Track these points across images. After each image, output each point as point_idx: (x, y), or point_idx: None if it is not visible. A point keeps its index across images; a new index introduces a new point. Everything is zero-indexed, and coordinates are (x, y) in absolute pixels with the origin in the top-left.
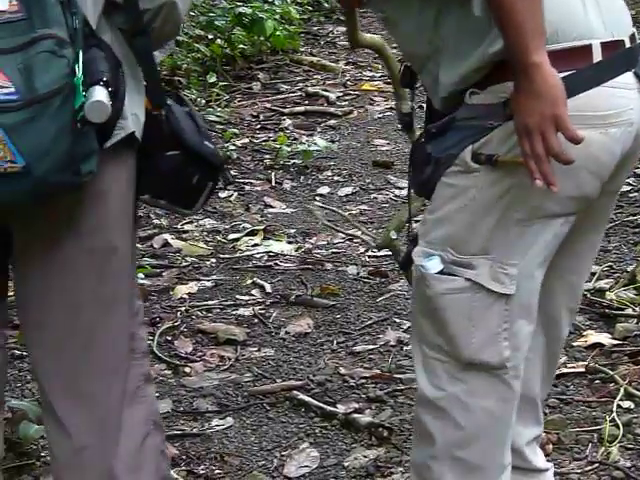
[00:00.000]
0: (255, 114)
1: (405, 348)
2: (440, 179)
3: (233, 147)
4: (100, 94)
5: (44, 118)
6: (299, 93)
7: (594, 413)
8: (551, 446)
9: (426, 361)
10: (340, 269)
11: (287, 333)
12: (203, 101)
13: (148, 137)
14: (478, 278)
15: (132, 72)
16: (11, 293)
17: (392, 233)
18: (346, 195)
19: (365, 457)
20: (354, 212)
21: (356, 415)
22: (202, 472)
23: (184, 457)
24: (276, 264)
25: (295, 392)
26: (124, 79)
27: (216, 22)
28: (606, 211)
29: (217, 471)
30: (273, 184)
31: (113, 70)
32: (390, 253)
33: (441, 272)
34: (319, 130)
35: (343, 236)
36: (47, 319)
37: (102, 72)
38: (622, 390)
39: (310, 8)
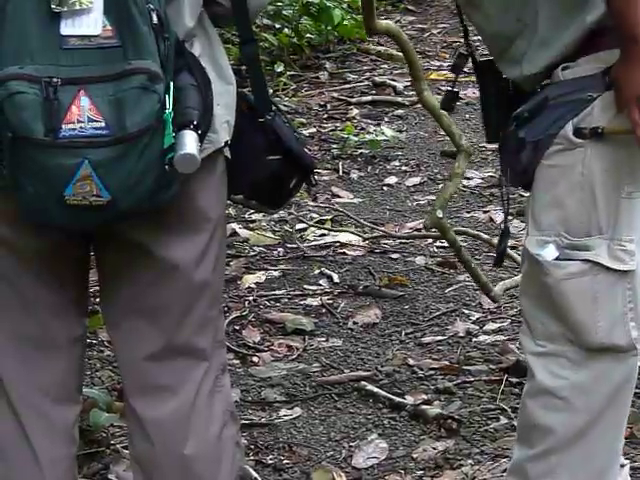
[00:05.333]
0: (322, 103)
1: (474, 340)
2: (540, 163)
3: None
4: (190, 145)
5: (132, 155)
6: (366, 82)
7: None
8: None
9: (545, 354)
10: (408, 259)
11: (355, 323)
12: (270, 90)
13: (251, 141)
14: (598, 258)
15: (222, 77)
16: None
17: (438, 212)
18: (414, 185)
19: (434, 449)
20: (422, 202)
21: (425, 406)
22: (270, 462)
23: (252, 447)
24: (344, 254)
25: (363, 383)
26: (212, 95)
27: (284, 11)
28: None
29: (285, 461)
30: (340, 174)
31: (202, 92)
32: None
33: (557, 258)
34: (386, 120)
35: (411, 226)
36: (130, 313)
37: (192, 111)
38: None
39: None
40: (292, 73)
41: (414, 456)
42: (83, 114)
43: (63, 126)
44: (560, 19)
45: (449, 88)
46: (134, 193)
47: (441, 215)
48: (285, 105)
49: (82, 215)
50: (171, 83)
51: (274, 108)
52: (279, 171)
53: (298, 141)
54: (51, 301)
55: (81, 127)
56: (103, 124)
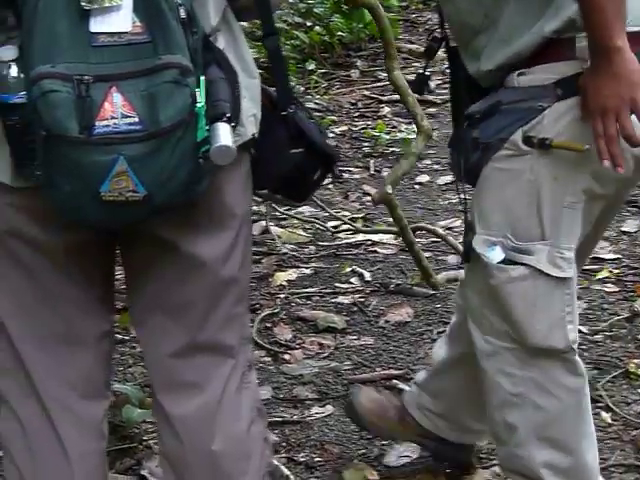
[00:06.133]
0: (353, 102)
1: None
2: (488, 164)
3: (332, 135)
4: (225, 137)
5: (166, 150)
6: None
7: None
8: None
9: (493, 352)
10: (440, 258)
11: (387, 322)
12: (302, 88)
13: (274, 135)
14: (538, 264)
15: (247, 70)
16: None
17: (388, 188)
18: (445, 184)
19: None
20: (454, 201)
21: None
22: (302, 459)
23: (284, 444)
24: (375, 252)
25: (395, 381)
26: (239, 89)
27: (315, 9)
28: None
29: (317, 459)
30: (372, 172)
31: (231, 85)
32: None
33: (503, 261)
34: None
35: (443, 225)
36: (156, 310)
37: (224, 104)
38: None
39: None
40: (323, 71)
41: None
42: (116, 110)
43: (97, 123)
44: (520, 23)
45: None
46: (169, 187)
47: (390, 191)
48: (316, 103)
49: (118, 211)
50: (201, 77)
51: (296, 101)
52: (303, 164)
53: (321, 133)
54: (78, 298)
55: (115, 123)
56: (136, 119)
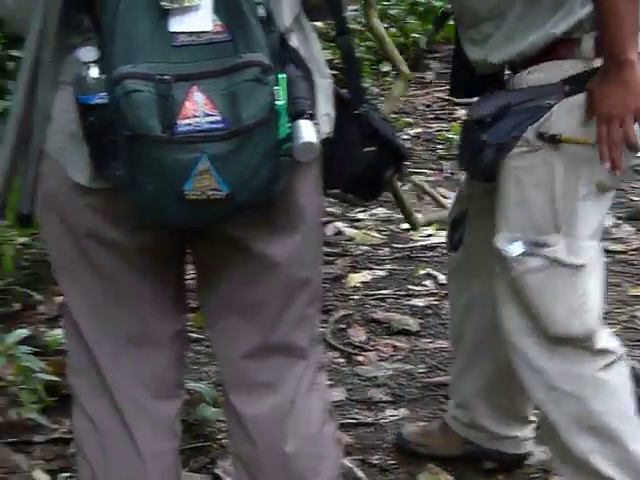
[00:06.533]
0: (428, 103)
1: None
2: (504, 163)
3: (406, 137)
4: (308, 133)
5: (248, 148)
6: None
7: None
8: None
9: (522, 349)
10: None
11: None
12: (376, 90)
13: (346, 134)
14: (555, 255)
15: (319, 70)
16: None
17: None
18: None
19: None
20: None
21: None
22: (376, 462)
23: (358, 446)
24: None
25: None
26: (315, 88)
27: (390, 11)
28: None
29: (391, 461)
30: (446, 175)
31: (308, 84)
32: None
33: (522, 254)
34: None
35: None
36: (227, 311)
37: (304, 101)
38: None
39: None
40: (398, 73)
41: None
42: (198, 109)
43: (179, 122)
44: (529, 20)
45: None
46: (251, 185)
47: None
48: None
49: (200, 211)
50: (281, 75)
51: (368, 100)
52: (375, 163)
53: (392, 130)
54: (152, 298)
55: (197, 122)
56: (218, 118)
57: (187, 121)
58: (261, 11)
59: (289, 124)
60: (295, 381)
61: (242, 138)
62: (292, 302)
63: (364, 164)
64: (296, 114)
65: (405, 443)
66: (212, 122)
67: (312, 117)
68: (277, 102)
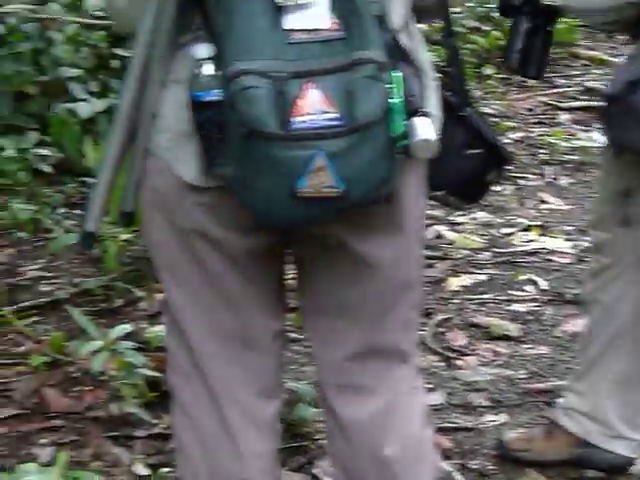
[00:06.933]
0: (530, 107)
1: None
2: None
3: (508, 141)
4: (427, 130)
5: (364, 145)
6: (576, 88)
7: None
8: None
9: None
10: None
11: (563, 332)
12: (478, 93)
13: (451, 137)
14: None
15: (424, 72)
16: None
17: None
18: None
19: None
20: None
21: None
22: (475, 467)
23: (457, 450)
24: (552, 261)
25: None
26: (424, 86)
27: (493, 14)
28: None
29: (490, 467)
30: (548, 179)
31: (420, 83)
32: None
33: None
34: (597, 127)
35: None
36: (329, 312)
37: (418, 99)
38: None
39: None
40: (500, 76)
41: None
42: (314, 106)
43: (295, 119)
44: None
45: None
46: (365, 183)
47: None
48: (492, 108)
49: (311, 209)
50: (395, 73)
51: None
52: (480, 165)
53: (494, 135)
54: (255, 298)
55: (312, 119)
56: (335, 115)
57: (303, 118)
58: (375, 9)
59: (404, 122)
60: (396, 384)
61: (359, 135)
62: (395, 305)
63: (468, 166)
64: (411, 112)
65: (506, 450)
66: (328, 119)
67: (427, 115)
68: (392, 100)
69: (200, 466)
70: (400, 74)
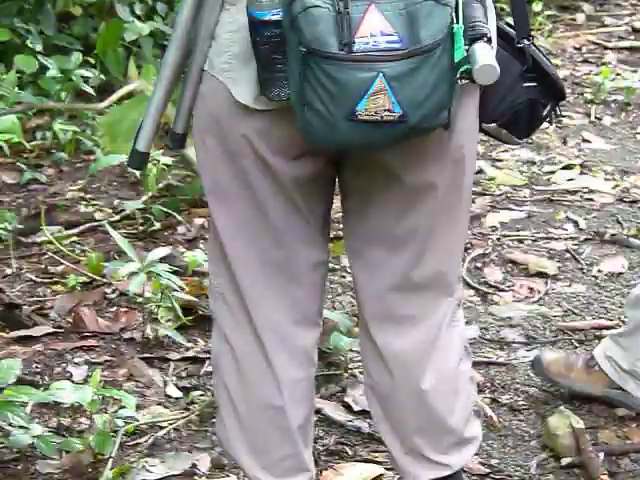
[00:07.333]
0: (577, 46)
1: None
2: None
3: None
4: (488, 56)
5: (425, 69)
6: (625, 27)
7: None
8: None
9: None
10: None
11: (599, 271)
12: None
13: (508, 68)
14: None
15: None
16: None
17: None
18: None
19: None
20: None
21: None
22: (506, 401)
23: (489, 385)
24: (591, 200)
25: (605, 331)
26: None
27: None
28: None
29: (521, 402)
30: (592, 119)
31: (483, 8)
32: None
33: None
34: None
35: None
36: (376, 242)
37: (482, 24)
38: None
39: None
40: (549, 13)
41: None
42: (375, 28)
43: (356, 40)
44: None
45: None
46: (424, 108)
47: None
48: (540, 45)
49: (370, 132)
50: None
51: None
52: (536, 97)
53: (553, 68)
54: (300, 227)
55: (374, 41)
56: (396, 38)
57: (364, 40)
58: None
59: (466, 47)
60: (439, 316)
61: (419, 59)
62: (441, 235)
63: (524, 99)
64: (474, 38)
65: (542, 370)
66: (390, 42)
67: (490, 41)
68: (455, 26)
69: (236, 391)
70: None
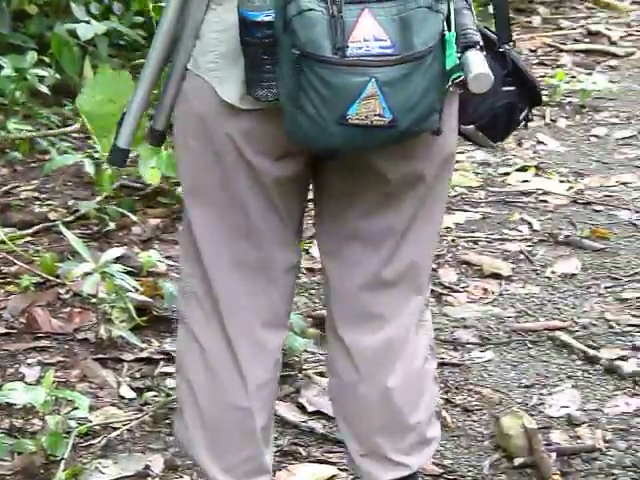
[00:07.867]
0: (533, 48)
1: None
2: None
3: None
4: (482, 65)
5: (416, 75)
6: (580, 30)
7: None
8: None
9: None
10: (612, 213)
11: (553, 272)
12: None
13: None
14: None
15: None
16: None
17: None
18: (622, 138)
19: (627, 405)
20: (631, 156)
21: (620, 362)
22: (459, 402)
23: (442, 385)
24: (546, 202)
25: (558, 332)
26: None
27: None
28: None
29: (474, 403)
30: (547, 121)
31: (473, 16)
32: None
33: None
34: (598, 70)
35: (617, 179)
36: (352, 240)
37: (474, 32)
38: None
39: None
40: None
41: (605, 411)
42: (369, 33)
43: (349, 44)
44: None
45: None
46: (414, 113)
47: None
48: None
49: (360, 136)
50: (450, 4)
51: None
52: (514, 101)
53: (532, 73)
54: (277, 229)
55: (367, 46)
56: (389, 43)
57: (358, 44)
58: None
59: (458, 54)
60: (409, 315)
61: (412, 65)
62: (415, 234)
63: (503, 102)
64: (466, 45)
65: None
66: (383, 47)
67: (482, 49)
68: (447, 33)
69: (202, 391)
70: (454, 7)
